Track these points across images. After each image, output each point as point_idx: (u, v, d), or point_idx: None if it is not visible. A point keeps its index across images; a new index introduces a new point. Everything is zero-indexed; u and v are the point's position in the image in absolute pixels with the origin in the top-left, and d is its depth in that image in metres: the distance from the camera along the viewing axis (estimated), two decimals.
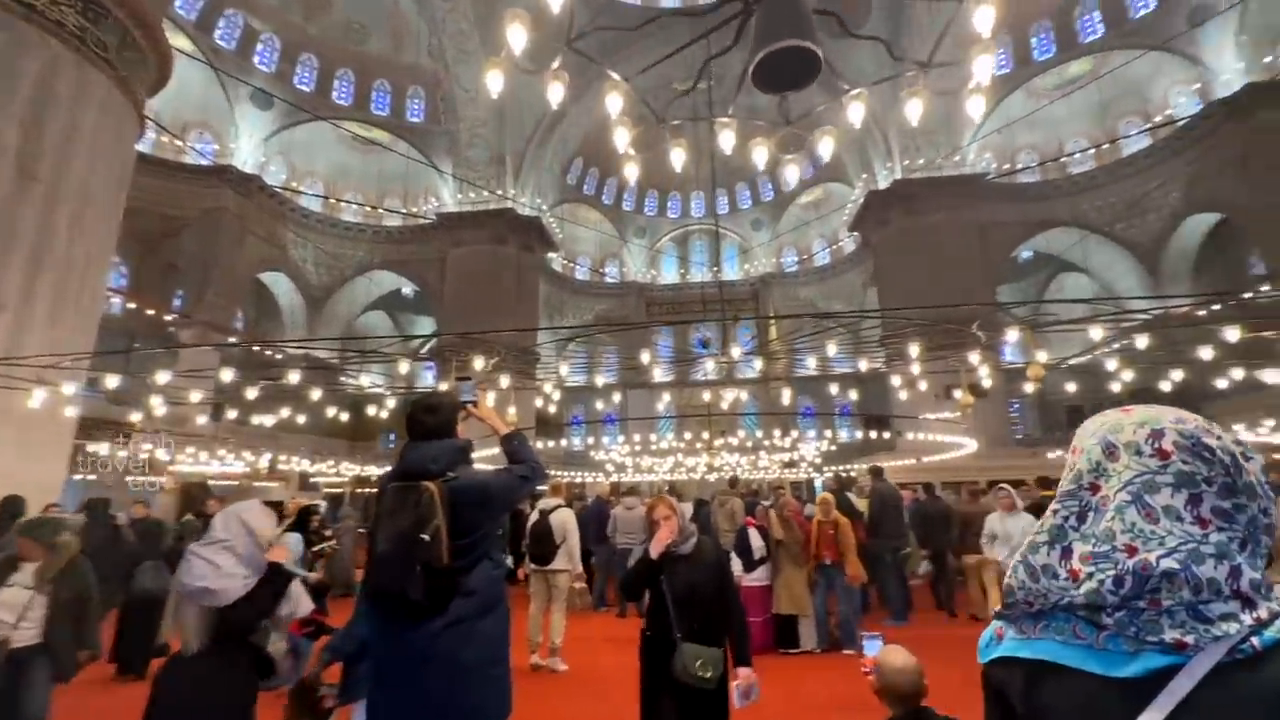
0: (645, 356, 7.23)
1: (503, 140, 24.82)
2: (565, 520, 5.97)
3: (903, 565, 7.58)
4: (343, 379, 17.00)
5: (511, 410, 10.71)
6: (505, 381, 9.38)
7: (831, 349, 7.11)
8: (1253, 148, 18.73)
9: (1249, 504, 0.70)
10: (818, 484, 23.59)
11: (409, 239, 26.66)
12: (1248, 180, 18.92)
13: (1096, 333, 6.05)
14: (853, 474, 15.40)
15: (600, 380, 20.29)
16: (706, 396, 20.20)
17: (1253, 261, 20.74)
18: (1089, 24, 22.59)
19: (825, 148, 4.00)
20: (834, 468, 17.74)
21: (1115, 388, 9.58)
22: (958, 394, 9.61)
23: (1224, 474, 0.70)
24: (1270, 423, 13.31)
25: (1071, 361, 11.31)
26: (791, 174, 4.33)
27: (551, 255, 29.67)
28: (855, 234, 27.11)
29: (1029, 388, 8.25)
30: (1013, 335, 5.91)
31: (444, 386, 10.40)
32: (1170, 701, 0.64)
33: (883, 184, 23.39)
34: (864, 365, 8.12)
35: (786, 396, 15.59)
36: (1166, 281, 22.33)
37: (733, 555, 6.17)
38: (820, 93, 24.49)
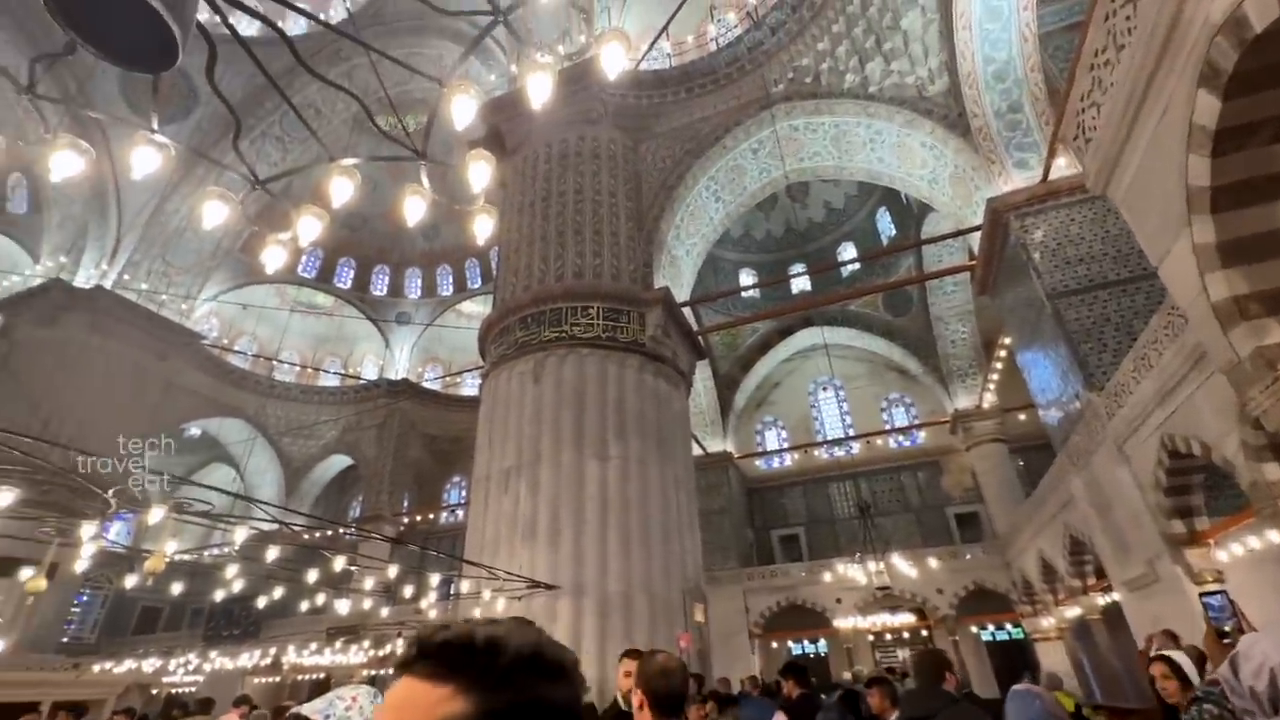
0: None
1: None
2: None
3: None
4: None
5: None
6: None
7: None
8: (388, 420, 25.33)
9: None
10: None
11: None
12: (378, 442, 25.09)
13: (240, 534, 5.84)
14: None
15: None
16: None
17: (356, 504, 26.22)
18: (344, 273, 27.31)
19: (308, 229, 2.90)
20: None
21: (218, 595, 9.25)
22: (27, 572, 7.06)
23: None
24: (314, 645, 15.50)
25: (185, 556, 10.42)
26: (274, 259, 2.71)
27: None
28: None
29: (130, 580, 6.91)
30: (156, 514, 4.96)
31: None
32: None
33: (83, 280, 18.64)
34: None
35: None
36: (298, 501, 25.14)
37: None
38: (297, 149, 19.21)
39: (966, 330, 20.82)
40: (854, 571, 16.67)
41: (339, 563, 6.94)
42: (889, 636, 19.02)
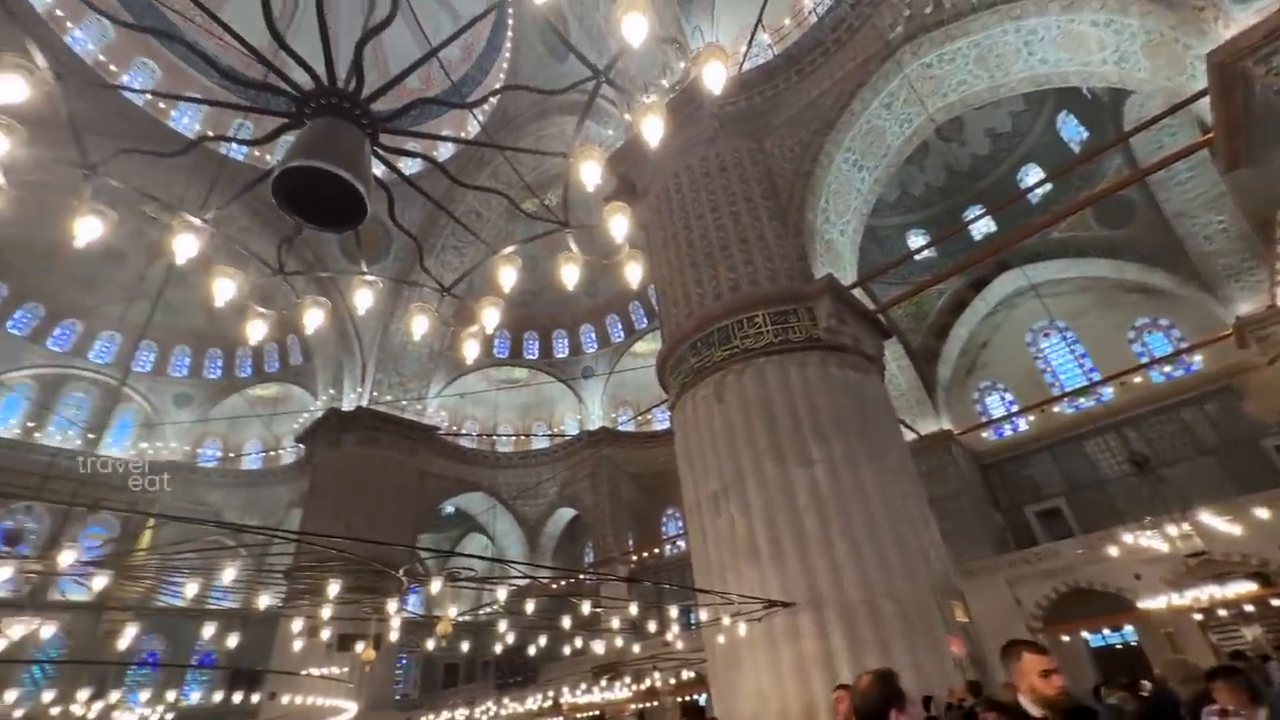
0: None
1: None
2: None
3: None
4: None
5: None
6: None
7: (229, 575, 5.54)
8: (597, 468, 27.19)
9: None
10: None
11: None
12: (593, 490, 26.98)
13: (501, 593, 6.65)
14: None
15: None
16: None
17: (588, 550, 28.32)
18: (530, 345, 30.33)
19: (490, 318, 3.66)
20: None
21: (498, 648, 10.52)
22: (360, 646, 8.73)
23: None
24: (584, 685, 16.83)
25: (465, 618, 12.19)
26: (472, 350, 3.61)
27: None
28: (300, 446, 24.92)
29: (430, 644, 8.19)
30: (436, 585, 5.85)
31: None
32: None
33: (348, 405, 23.06)
34: (266, 601, 6.46)
35: (129, 636, 10.55)
36: (540, 555, 27.89)
37: None
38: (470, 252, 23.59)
39: (1224, 218, 16.62)
40: (1148, 539, 13.81)
41: (585, 607, 7.51)
42: (1223, 613, 15.25)
